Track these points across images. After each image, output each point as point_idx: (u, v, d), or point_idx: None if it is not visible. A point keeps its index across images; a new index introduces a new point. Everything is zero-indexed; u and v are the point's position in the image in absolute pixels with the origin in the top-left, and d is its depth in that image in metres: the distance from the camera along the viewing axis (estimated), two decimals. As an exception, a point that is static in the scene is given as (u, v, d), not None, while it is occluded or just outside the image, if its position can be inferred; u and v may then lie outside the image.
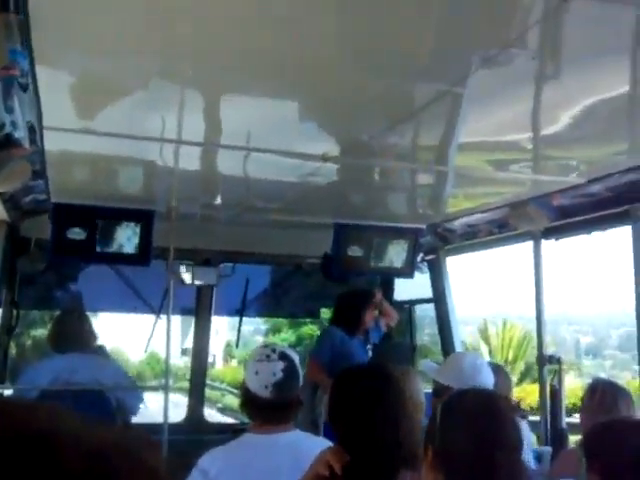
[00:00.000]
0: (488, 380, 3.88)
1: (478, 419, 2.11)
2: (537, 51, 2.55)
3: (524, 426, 5.01)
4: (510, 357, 26.84)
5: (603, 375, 30.33)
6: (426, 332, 9.13)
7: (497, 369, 4.92)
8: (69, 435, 0.69)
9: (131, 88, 3.08)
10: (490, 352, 28.51)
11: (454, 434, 2.11)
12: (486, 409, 2.14)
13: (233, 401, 32.18)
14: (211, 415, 6.83)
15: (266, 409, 3.15)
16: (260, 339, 40.45)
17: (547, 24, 2.27)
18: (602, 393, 4.10)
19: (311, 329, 24.95)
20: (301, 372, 3.24)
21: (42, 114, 3.11)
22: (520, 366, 26.38)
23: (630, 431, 3.10)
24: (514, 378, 23.02)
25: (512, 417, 2.19)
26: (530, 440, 4.83)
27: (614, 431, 3.18)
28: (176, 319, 6.50)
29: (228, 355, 37.68)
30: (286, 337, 33.13)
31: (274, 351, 3.22)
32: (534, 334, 5.41)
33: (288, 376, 3.15)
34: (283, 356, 3.20)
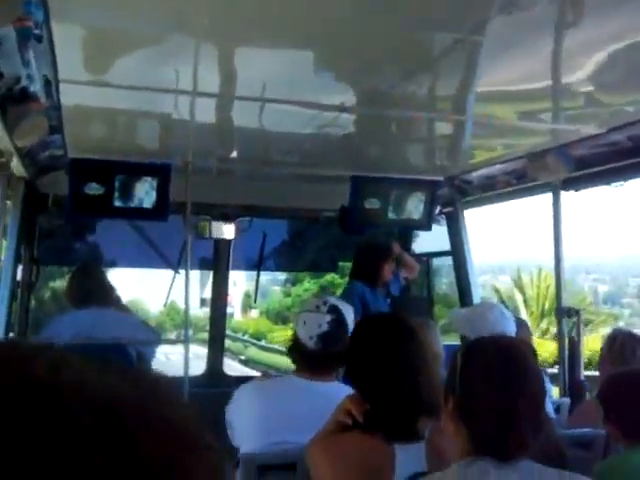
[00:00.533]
0: (511, 331, 3.88)
1: (499, 367, 2.08)
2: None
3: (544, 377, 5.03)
4: (547, 307, 25.86)
5: (621, 324, 30.08)
6: (443, 282, 9.13)
7: (519, 322, 4.93)
8: (76, 385, 0.58)
9: (146, 40, 3.06)
10: (525, 302, 27.82)
11: (474, 383, 2.10)
12: (507, 356, 2.12)
13: (255, 353, 32.50)
14: (231, 367, 6.86)
15: (309, 358, 3.22)
16: (278, 289, 40.77)
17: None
18: (621, 344, 4.10)
19: (332, 277, 24.75)
20: (351, 325, 3.22)
21: (57, 67, 3.10)
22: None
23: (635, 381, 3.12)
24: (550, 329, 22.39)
25: (534, 364, 2.17)
26: (550, 391, 4.86)
27: (630, 381, 3.20)
28: (194, 271, 6.53)
29: (247, 306, 37.94)
30: (308, 287, 33.29)
31: (325, 303, 3.26)
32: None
33: (334, 329, 3.18)
34: (332, 309, 3.23)
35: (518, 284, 28.72)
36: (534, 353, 2.32)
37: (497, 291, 29.65)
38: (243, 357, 33.58)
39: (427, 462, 2.51)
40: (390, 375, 2.57)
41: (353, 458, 2.54)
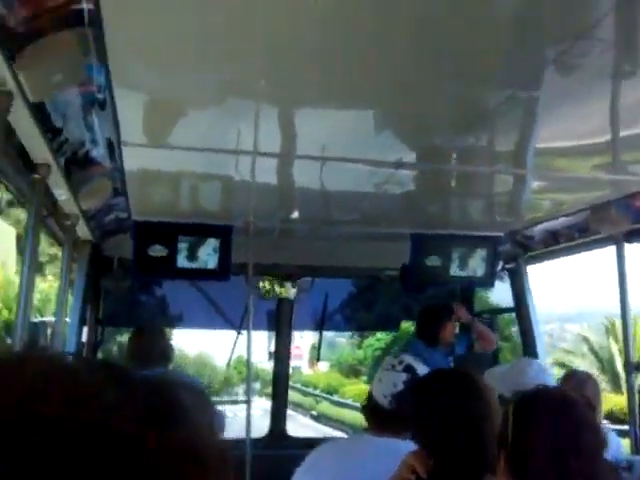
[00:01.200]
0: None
1: (552, 420, 2.02)
2: (612, 43, 2.49)
3: (611, 434, 4.88)
4: (640, 358, 24.48)
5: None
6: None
7: (584, 377, 4.82)
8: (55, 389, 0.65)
9: (207, 102, 3.13)
10: (621, 351, 26.65)
11: (526, 437, 2.04)
12: (562, 410, 2.07)
13: (326, 408, 32.16)
14: (294, 430, 6.81)
15: (382, 417, 3.18)
16: (345, 341, 40.44)
17: (621, 13, 2.23)
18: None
19: (406, 326, 24.43)
20: None
21: (120, 131, 3.18)
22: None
23: None
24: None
25: (590, 418, 2.10)
26: (620, 449, 4.70)
27: None
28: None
29: (314, 359, 37.79)
30: (381, 337, 32.93)
31: (401, 363, 3.22)
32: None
33: (409, 388, 3.13)
34: (408, 368, 3.20)
35: (612, 332, 26.43)
36: (592, 408, 2.23)
37: (586, 340, 28.39)
38: (315, 412, 33.30)
39: None
40: (454, 431, 2.53)
41: None
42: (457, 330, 6.25)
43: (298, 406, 31.48)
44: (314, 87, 2.92)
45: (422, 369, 3.24)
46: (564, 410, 2.07)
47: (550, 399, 2.14)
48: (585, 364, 25.07)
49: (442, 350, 6.08)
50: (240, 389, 42.51)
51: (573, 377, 5.08)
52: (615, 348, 25.39)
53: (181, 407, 0.71)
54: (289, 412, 6.85)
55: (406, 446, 2.97)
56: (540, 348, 6.27)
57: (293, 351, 7.22)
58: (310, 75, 2.76)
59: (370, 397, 3.25)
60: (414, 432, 2.75)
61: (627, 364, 5.09)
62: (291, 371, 7.08)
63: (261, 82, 2.84)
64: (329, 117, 3.35)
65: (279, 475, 3.22)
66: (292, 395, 37.44)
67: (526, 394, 2.20)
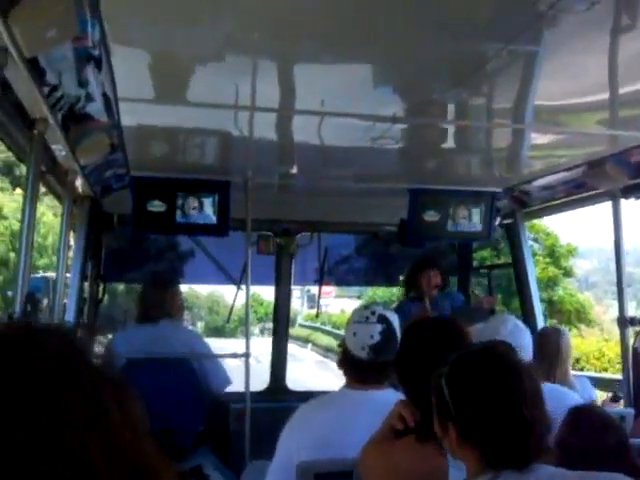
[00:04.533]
0: (526, 344, 3.76)
1: (492, 378, 2.03)
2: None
3: (583, 379, 5.07)
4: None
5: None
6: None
7: (560, 331, 4.94)
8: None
9: (204, 57, 3.11)
10: None
11: (472, 401, 2.04)
12: (497, 365, 2.06)
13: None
14: (293, 382, 6.89)
15: (362, 369, 3.24)
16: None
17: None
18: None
19: None
20: (399, 333, 3.24)
21: (116, 86, 3.18)
22: None
23: None
24: None
25: (522, 367, 2.08)
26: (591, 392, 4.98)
27: None
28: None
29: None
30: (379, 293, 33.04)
31: (373, 313, 3.28)
32: None
33: (385, 339, 3.21)
34: (382, 319, 3.25)
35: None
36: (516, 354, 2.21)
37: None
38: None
39: None
40: (425, 377, 2.55)
41: (404, 466, 2.54)
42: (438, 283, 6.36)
43: (329, 351, 31.15)
44: (312, 41, 2.92)
45: (394, 318, 3.29)
46: (498, 364, 2.07)
47: (479, 357, 2.14)
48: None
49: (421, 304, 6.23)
50: (256, 329, 42.74)
51: (541, 333, 5.21)
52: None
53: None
54: (320, 359, 6.93)
55: (388, 396, 3.03)
56: (536, 302, 6.33)
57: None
58: (308, 29, 2.76)
59: (346, 351, 3.28)
60: (399, 381, 2.79)
61: (621, 319, 5.14)
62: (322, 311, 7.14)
63: (259, 36, 2.84)
64: (327, 72, 3.34)
65: (279, 427, 3.27)
66: (321, 338, 37.50)
67: (454, 360, 2.19)
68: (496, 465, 1.99)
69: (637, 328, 5.00)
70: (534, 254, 28.60)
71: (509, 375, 2.04)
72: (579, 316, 30.03)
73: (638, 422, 4.30)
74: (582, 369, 16.87)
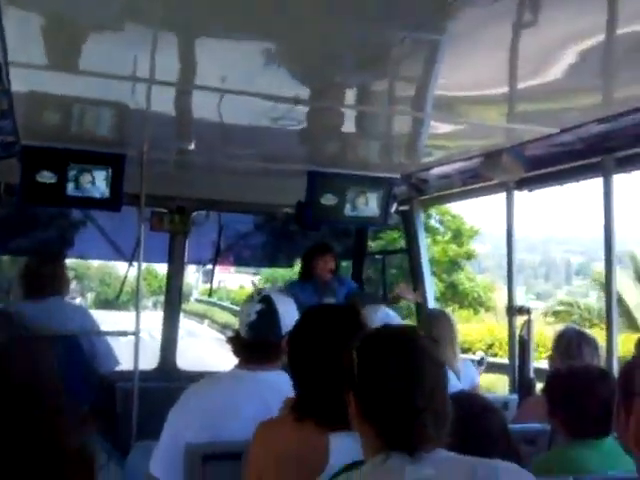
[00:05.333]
0: None
1: (394, 358, 2.02)
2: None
3: (467, 363, 5.25)
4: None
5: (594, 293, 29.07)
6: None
7: (439, 314, 5.10)
8: None
9: (101, 25, 3.00)
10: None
11: (370, 377, 2.05)
12: (403, 346, 2.06)
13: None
14: (189, 360, 6.83)
15: (247, 349, 3.24)
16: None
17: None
18: (568, 340, 4.17)
19: None
20: (285, 316, 3.23)
21: (7, 50, 3.04)
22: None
23: (595, 382, 3.15)
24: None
25: (432, 353, 2.08)
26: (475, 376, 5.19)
27: (579, 381, 3.23)
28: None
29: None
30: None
31: (259, 294, 3.31)
32: None
33: (261, 318, 3.21)
34: (264, 299, 3.26)
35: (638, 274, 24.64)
36: (434, 341, 2.23)
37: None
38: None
39: None
40: (316, 359, 2.57)
41: (280, 449, 2.53)
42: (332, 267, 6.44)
43: (227, 327, 30.82)
44: (215, 16, 2.84)
45: (283, 302, 3.31)
46: (405, 347, 2.06)
47: (390, 337, 2.13)
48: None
49: (315, 286, 6.33)
50: (149, 302, 41.98)
51: (428, 316, 5.40)
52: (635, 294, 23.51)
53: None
54: (217, 335, 6.85)
55: (278, 377, 3.03)
56: (429, 288, 6.44)
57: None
58: (212, 3, 2.69)
59: (236, 332, 3.32)
60: (288, 362, 2.79)
61: (509, 308, 5.28)
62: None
63: (161, 6, 2.75)
64: (228, 49, 3.28)
65: (167, 408, 3.21)
66: (219, 314, 36.89)
67: (368, 334, 2.20)
68: (388, 446, 1.99)
69: (524, 317, 5.13)
70: (438, 235, 29.05)
71: (414, 360, 2.02)
72: (480, 300, 30.54)
73: (522, 408, 4.42)
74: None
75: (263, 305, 3.24)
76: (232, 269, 37.45)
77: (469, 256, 30.77)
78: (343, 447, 2.43)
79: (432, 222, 28.52)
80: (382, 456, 1.98)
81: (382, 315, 3.96)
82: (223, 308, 37.61)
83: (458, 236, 29.95)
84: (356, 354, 2.08)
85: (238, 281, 43.41)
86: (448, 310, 7.67)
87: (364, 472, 2.02)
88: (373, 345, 2.11)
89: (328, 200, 5.84)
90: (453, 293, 29.23)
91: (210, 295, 14.86)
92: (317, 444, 2.47)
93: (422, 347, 2.07)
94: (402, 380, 1.99)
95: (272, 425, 2.63)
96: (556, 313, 26.32)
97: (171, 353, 6.68)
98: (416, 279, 6.51)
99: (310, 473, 2.43)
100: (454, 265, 29.61)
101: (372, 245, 10.86)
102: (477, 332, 20.62)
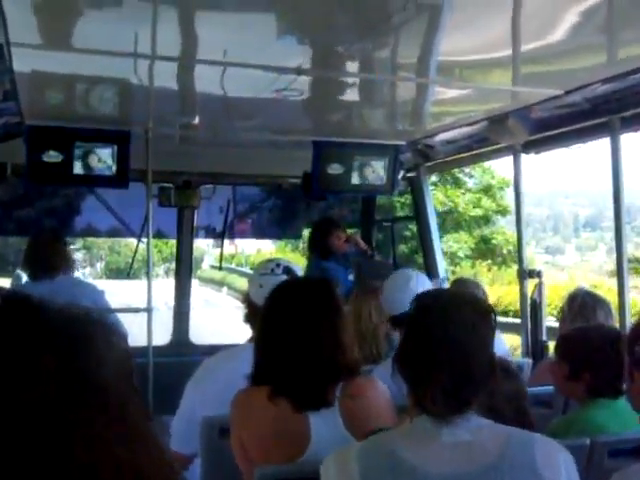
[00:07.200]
0: None
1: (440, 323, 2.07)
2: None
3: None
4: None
5: (604, 246, 28.44)
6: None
7: (475, 285, 5.03)
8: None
9: (101, 2, 2.99)
10: None
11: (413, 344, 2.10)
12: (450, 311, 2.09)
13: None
14: (196, 336, 6.83)
15: None
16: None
17: None
18: (582, 302, 4.15)
19: None
20: None
21: (8, 30, 3.03)
22: None
23: (615, 341, 3.15)
24: None
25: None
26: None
27: (585, 336, 3.25)
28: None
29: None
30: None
31: (278, 265, 3.28)
32: None
33: None
34: (287, 270, 3.25)
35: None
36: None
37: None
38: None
39: (346, 427, 2.52)
40: (287, 335, 2.58)
41: (261, 426, 2.56)
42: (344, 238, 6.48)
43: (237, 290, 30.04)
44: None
45: (298, 269, 3.33)
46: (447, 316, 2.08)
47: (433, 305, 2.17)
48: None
49: (337, 261, 6.28)
50: (160, 270, 41.60)
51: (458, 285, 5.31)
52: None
53: (87, 341, 0.76)
54: (237, 303, 6.84)
55: None
56: (438, 254, 6.43)
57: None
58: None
59: (251, 304, 3.26)
60: (257, 336, 2.81)
61: (520, 272, 5.27)
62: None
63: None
64: (229, 21, 3.26)
65: (182, 383, 3.23)
66: (238, 281, 36.06)
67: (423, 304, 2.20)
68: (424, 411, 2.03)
69: (535, 280, 5.13)
70: (469, 190, 28.13)
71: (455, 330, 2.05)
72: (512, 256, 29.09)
73: (537, 371, 4.42)
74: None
75: (289, 277, 3.19)
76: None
77: (503, 211, 28.69)
78: (324, 425, 2.47)
79: (461, 176, 27.48)
80: (419, 419, 2.02)
81: (422, 279, 3.91)
82: (242, 274, 36.69)
83: (488, 189, 28.67)
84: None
85: (256, 245, 42.49)
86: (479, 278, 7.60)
87: (402, 433, 2.06)
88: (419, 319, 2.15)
89: (334, 170, 5.83)
90: (485, 248, 28.20)
91: (220, 268, 14.82)
92: (296, 423, 2.51)
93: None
94: (441, 349, 2.02)
95: (249, 398, 2.67)
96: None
97: (184, 327, 6.70)
98: (425, 246, 6.50)
99: (290, 451, 2.50)
100: (486, 220, 28.55)
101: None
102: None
